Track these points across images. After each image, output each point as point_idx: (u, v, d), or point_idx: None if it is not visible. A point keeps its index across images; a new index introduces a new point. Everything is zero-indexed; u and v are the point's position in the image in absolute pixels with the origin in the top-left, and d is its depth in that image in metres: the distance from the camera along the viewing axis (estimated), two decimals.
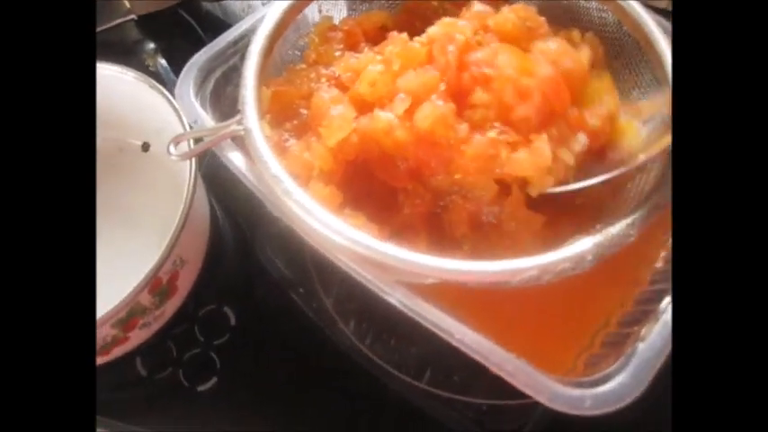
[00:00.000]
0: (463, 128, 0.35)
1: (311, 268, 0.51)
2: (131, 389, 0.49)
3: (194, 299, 0.50)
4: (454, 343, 0.32)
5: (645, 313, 0.38)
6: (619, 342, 0.38)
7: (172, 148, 0.37)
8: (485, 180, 0.36)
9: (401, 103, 0.35)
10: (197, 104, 0.40)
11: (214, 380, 0.49)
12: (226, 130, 0.37)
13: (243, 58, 0.40)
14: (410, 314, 0.33)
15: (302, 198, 0.34)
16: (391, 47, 0.39)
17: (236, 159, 0.38)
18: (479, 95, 0.36)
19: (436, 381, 0.47)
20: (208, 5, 0.69)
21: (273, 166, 0.35)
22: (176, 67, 0.64)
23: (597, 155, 0.40)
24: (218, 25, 0.68)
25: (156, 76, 0.65)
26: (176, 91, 0.41)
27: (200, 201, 0.48)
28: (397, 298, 0.33)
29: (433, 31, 0.39)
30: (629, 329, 0.39)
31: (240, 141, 0.38)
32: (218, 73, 0.43)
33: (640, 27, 0.41)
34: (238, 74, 0.39)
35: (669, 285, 0.38)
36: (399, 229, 0.37)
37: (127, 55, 0.67)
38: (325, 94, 0.38)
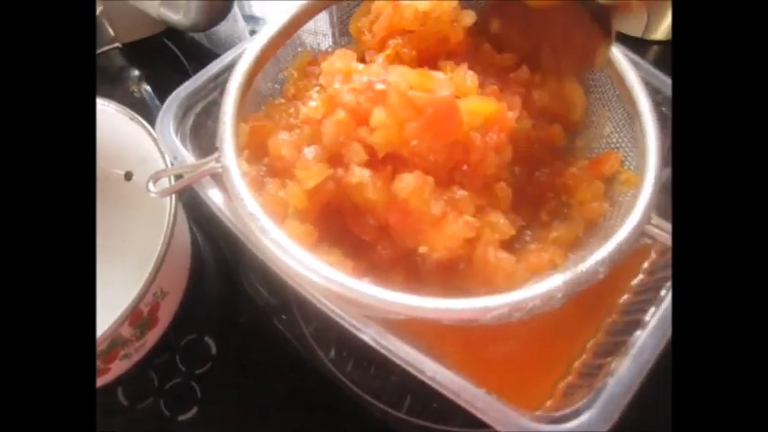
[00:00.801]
0: (440, 205, 0.35)
1: (291, 297, 0.51)
2: (113, 419, 0.49)
3: (175, 329, 0.50)
4: (426, 380, 0.33)
5: (617, 345, 0.39)
6: (592, 373, 0.39)
7: (151, 186, 0.38)
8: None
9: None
10: (177, 141, 0.41)
11: (195, 409, 0.49)
12: (204, 168, 0.37)
13: (223, 92, 0.40)
14: (383, 351, 0.33)
15: (278, 236, 0.34)
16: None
17: (214, 196, 0.38)
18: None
19: (415, 409, 0.47)
20: (193, 34, 0.70)
21: (250, 203, 0.35)
22: (161, 93, 0.65)
23: None
24: (202, 52, 0.69)
25: (141, 102, 0.66)
26: (157, 127, 0.41)
27: (181, 230, 0.49)
28: (370, 335, 0.34)
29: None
30: (602, 360, 0.40)
31: (219, 178, 0.38)
32: (198, 108, 0.43)
33: (612, 63, 0.42)
34: (219, 108, 0.40)
35: (639, 317, 0.39)
36: (376, 265, 0.38)
37: (112, 82, 0.67)
38: (284, 136, 0.38)
